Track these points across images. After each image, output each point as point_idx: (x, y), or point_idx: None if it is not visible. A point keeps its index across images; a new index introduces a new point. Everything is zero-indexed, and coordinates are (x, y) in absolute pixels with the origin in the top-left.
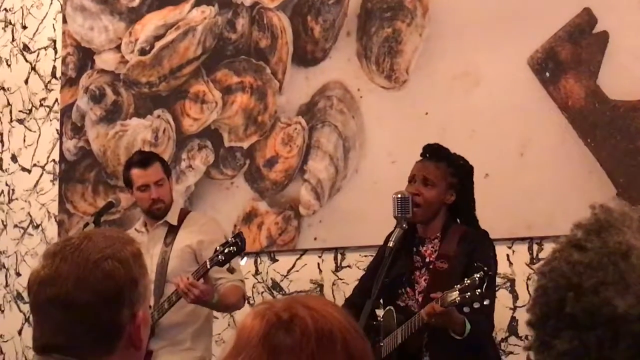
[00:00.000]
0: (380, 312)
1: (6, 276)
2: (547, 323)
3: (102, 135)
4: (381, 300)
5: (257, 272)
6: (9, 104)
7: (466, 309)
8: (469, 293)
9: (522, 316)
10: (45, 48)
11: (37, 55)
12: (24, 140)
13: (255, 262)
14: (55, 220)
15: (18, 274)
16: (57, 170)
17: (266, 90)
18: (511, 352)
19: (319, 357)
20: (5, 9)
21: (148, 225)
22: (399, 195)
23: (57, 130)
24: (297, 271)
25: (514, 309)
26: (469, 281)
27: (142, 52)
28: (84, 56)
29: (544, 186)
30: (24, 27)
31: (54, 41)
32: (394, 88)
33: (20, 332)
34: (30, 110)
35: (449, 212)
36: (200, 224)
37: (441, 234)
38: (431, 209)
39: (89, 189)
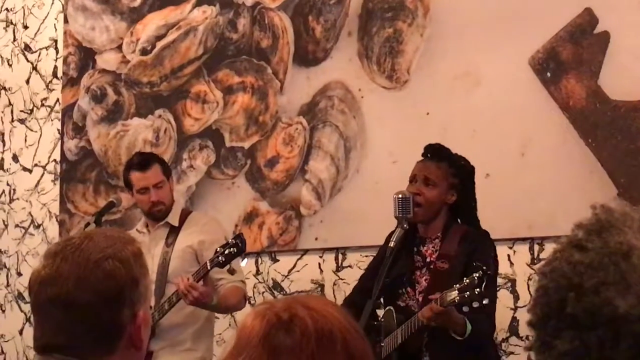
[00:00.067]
0: (381, 313)
1: (7, 276)
2: (548, 323)
3: (103, 135)
4: (381, 300)
5: (258, 272)
6: (10, 103)
7: (465, 309)
8: (468, 292)
9: (523, 316)
10: (46, 48)
11: (39, 55)
12: (25, 140)
13: (256, 262)
14: (57, 220)
15: (19, 274)
16: (58, 170)
17: (267, 90)
18: (512, 353)
19: (319, 357)
20: (7, 9)
21: (149, 226)
22: (400, 196)
23: (58, 130)
24: (298, 271)
25: (515, 309)
26: (468, 281)
27: (144, 52)
28: (85, 56)
29: (544, 186)
30: (25, 27)
31: (55, 41)
32: (395, 88)
33: (21, 332)
34: (32, 110)
35: (450, 212)
36: (201, 224)
37: (442, 234)
38: (432, 209)
39: (90, 188)
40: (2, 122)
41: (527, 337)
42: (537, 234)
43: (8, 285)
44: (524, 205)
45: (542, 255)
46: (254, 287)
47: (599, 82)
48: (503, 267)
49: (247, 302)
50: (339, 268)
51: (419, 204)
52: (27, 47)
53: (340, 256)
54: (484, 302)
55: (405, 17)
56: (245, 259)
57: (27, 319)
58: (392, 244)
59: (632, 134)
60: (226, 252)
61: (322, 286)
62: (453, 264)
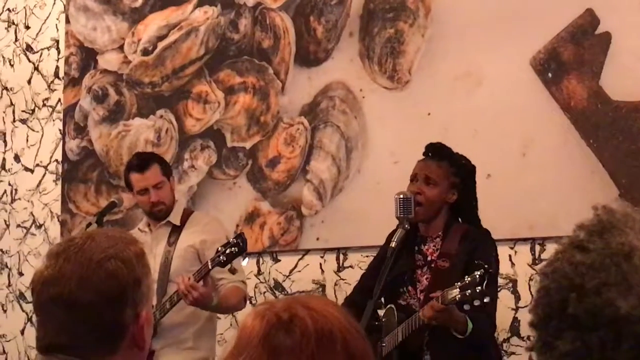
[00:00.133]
0: (382, 313)
1: (9, 276)
2: (549, 324)
3: (104, 135)
4: (382, 300)
5: (259, 272)
6: (12, 104)
7: (466, 307)
8: (469, 290)
9: (524, 317)
10: (48, 48)
11: (40, 56)
12: (27, 140)
13: (258, 262)
14: (58, 220)
15: (20, 274)
16: (60, 170)
17: (269, 91)
18: (513, 353)
19: (319, 357)
20: (9, 9)
21: (151, 225)
22: (401, 196)
23: (59, 130)
24: (299, 271)
25: (516, 309)
26: (469, 279)
27: (145, 52)
28: (87, 56)
29: (546, 187)
30: (27, 27)
31: (57, 41)
32: (397, 88)
33: (22, 332)
34: (33, 110)
35: (450, 211)
36: (203, 223)
37: (443, 233)
38: (433, 208)
39: (91, 188)
40: (4, 122)
41: (528, 338)
42: (538, 234)
43: (9, 285)
44: (525, 205)
45: (543, 256)
46: (255, 287)
47: (600, 82)
48: (504, 268)
49: (249, 302)
50: (340, 268)
51: (420, 203)
52: (28, 48)
53: (341, 256)
54: (485, 300)
55: (406, 18)
56: (247, 259)
57: (29, 319)
58: (393, 244)
59: (633, 134)
60: (227, 251)
61: (323, 286)
62: (454, 262)
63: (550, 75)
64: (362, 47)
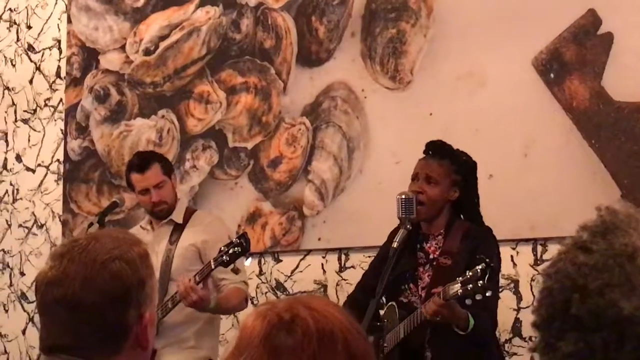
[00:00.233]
0: (382, 312)
1: (10, 276)
2: (552, 324)
3: (106, 135)
4: (383, 299)
5: (260, 273)
6: (13, 103)
7: (468, 301)
8: (470, 285)
9: (526, 317)
10: (49, 48)
11: (42, 55)
12: (29, 140)
13: (259, 262)
14: (60, 220)
15: (22, 274)
16: (62, 170)
17: (270, 91)
18: (515, 354)
19: (320, 357)
20: (10, 9)
21: (153, 223)
22: (403, 196)
23: (61, 130)
24: (301, 272)
25: (518, 310)
26: (470, 273)
27: (147, 52)
28: (89, 56)
29: (548, 187)
30: (29, 27)
31: (59, 41)
32: (398, 88)
33: (24, 332)
34: (35, 110)
35: (452, 208)
36: (205, 223)
37: (445, 231)
38: (435, 207)
39: (93, 188)
40: (6, 122)
41: (530, 338)
42: (540, 234)
43: (11, 285)
44: (527, 206)
45: (545, 256)
46: (257, 287)
47: (602, 83)
48: (506, 268)
49: (250, 302)
50: (341, 268)
51: (422, 202)
52: (30, 47)
53: (343, 256)
54: (487, 294)
55: (408, 18)
56: (250, 259)
57: (30, 319)
58: (395, 245)
59: (635, 135)
60: (230, 251)
61: (325, 286)
62: (456, 260)
63: (552, 75)
64: (364, 47)
